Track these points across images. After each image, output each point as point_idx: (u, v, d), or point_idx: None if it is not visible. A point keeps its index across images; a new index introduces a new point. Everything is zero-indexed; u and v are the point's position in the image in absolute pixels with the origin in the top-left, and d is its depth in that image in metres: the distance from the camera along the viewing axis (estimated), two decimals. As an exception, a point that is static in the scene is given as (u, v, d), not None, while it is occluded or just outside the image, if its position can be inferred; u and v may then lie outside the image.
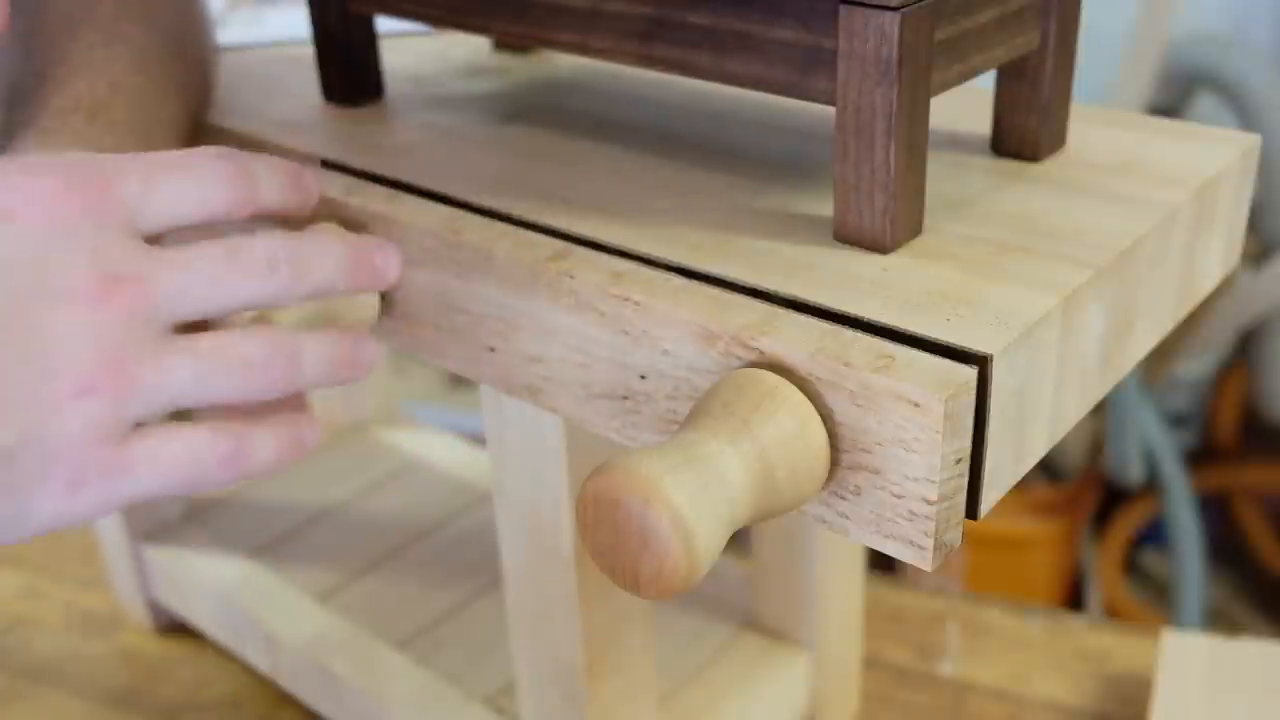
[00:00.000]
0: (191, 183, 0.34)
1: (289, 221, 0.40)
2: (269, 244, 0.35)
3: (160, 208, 0.33)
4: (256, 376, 0.34)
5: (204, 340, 0.33)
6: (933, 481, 0.31)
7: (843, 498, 0.33)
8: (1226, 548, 1.49)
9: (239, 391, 0.33)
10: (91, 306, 0.31)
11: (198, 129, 0.51)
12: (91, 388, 0.30)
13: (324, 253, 0.36)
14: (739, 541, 0.39)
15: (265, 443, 0.35)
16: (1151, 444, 1.34)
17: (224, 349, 0.33)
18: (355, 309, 0.42)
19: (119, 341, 0.31)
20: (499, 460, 0.45)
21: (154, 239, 0.34)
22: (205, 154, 0.36)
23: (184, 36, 0.51)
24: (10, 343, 0.30)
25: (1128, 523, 1.45)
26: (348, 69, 0.50)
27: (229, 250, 0.34)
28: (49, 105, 0.42)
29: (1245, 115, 1.23)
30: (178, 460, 0.32)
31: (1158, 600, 1.45)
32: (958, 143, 0.44)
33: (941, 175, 0.41)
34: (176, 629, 0.69)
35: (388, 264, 0.39)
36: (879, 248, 0.36)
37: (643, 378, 0.36)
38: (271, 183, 0.37)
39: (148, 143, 0.44)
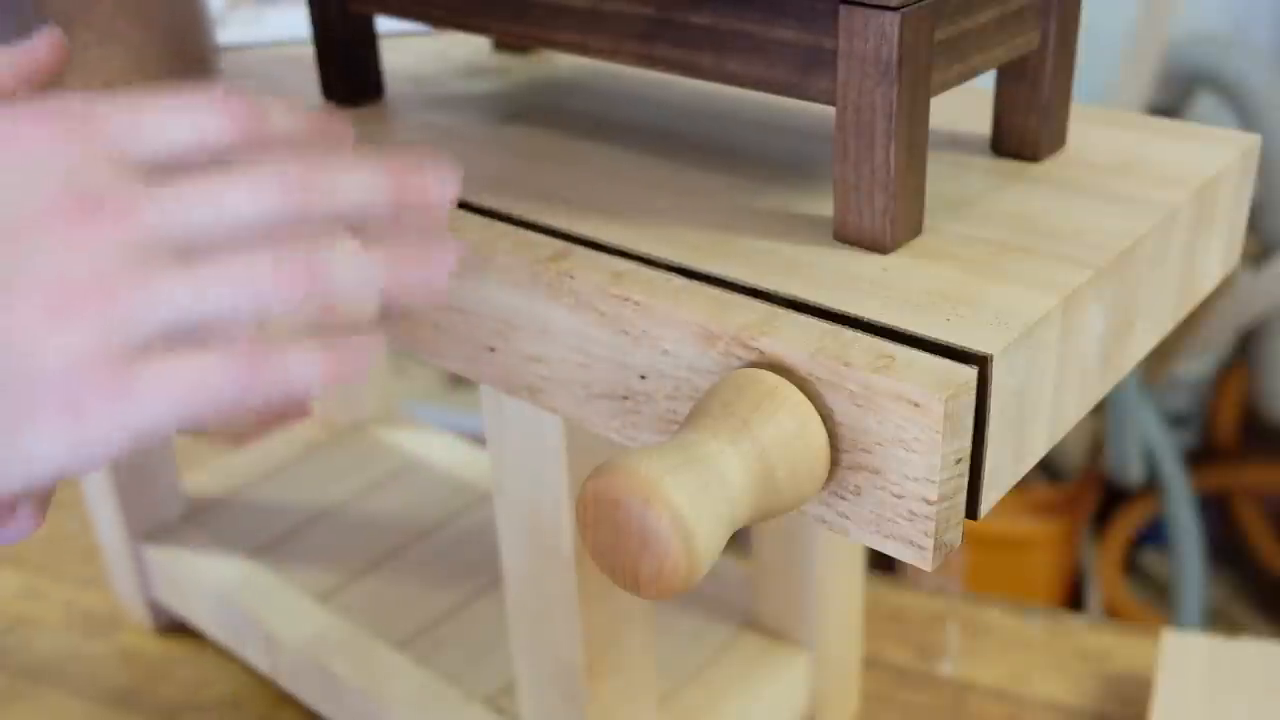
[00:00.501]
0: (185, 110, 0.31)
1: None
2: (280, 160, 0.31)
3: (150, 136, 0.30)
4: (270, 287, 0.30)
5: (206, 258, 0.30)
6: (933, 481, 0.31)
7: (843, 498, 0.33)
8: (1226, 548, 1.49)
9: (251, 304, 0.30)
10: (70, 228, 0.29)
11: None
12: (71, 308, 0.28)
13: (353, 167, 0.32)
14: (739, 541, 0.39)
15: (298, 360, 0.31)
16: (1151, 444, 1.34)
17: (228, 263, 0.30)
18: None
19: (103, 264, 0.28)
20: (499, 460, 0.45)
21: (148, 173, 0.31)
22: (197, 90, 0.32)
23: (183, 36, 0.51)
24: None
25: (1128, 523, 1.45)
26: (348, 69, 0.50)
27: (231, 170, 0.30)
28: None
29: (1245, 115, 1.23)
30: (187, 380, 0.29)
31: (1158, 600, 1.45)
32: (958, 143, 0.44)
33: (941, 175, 0.41)
34: (176, 629, 0.69)
35: (441, 185, 0.33)
36: (879, 248, 0.36)
37: (643, 378, 0.36)
38: (285, 116, 0.33)
39: None
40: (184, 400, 0.29)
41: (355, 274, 0.31)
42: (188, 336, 0.29)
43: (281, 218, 0.30)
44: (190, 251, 0.30)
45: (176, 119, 0.31)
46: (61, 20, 0.46)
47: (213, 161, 0.31)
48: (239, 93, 0.32)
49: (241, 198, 0.30)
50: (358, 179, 0.31)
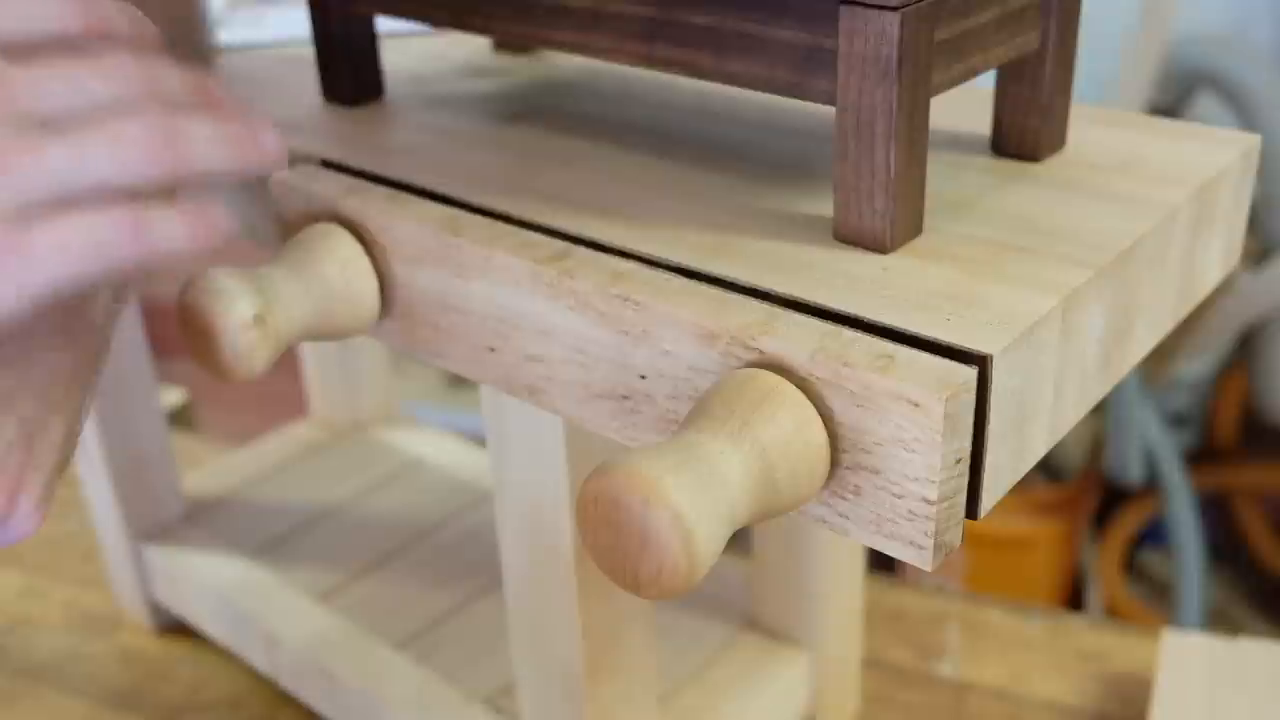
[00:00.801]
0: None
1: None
2: (126, 60, 0.34)
3: (8, 21, 0.33)
4: (139, 153, 0.32)
5: (76, 124, 0.32)
6: (933, 481, 0.31)
7: (843, 498, 0.33)
8: (1226, 548, 1.49)
9: (124, 170, 0.32)
10: None
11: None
12: None
13: (184, 83, 0.35)
14: (739, 541, 0.39)
15: (170, 218, 0.33)
16: (1151, 444, 1.34)
17: (98, 128, 0.32)
18: (356, 308, 0.42)
19: None
20: (499, 460, 0.45)
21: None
22: None
23: (182, 37, 0.51)
24: None
25: (1128, 523, 1.45)
26: (348, 69, 0.50)
27: (86, 54, 0.33)
28: None
29: (1245, 115, 1.23)
30: (78, 238, 0.31)
31: (1158, 600, 1.45)
32: (958, 143, 0.44)
33: (941, 175, 0.41)
34: (176, 629, 0.69)
35: (269, 138, 0.36)
36: (879, 248, 0.36)
37: (643, 378, 0.36)
38: (121, 17, 0.35)
39: None
40: (76, 258, 0.31)
41: (209, 145, 0.34)
42: (70, 202, 0.31)
43: (135, 98, 0.33)
44: (62, 124, 0.32)
45: (32, 6, 0.33)
46: None
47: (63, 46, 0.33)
48: None
49: (99, 79, 0.33)
50: (180, 86, 0.35)
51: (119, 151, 0.32)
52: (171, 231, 0.33)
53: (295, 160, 0.47)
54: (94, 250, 0.31)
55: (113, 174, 0.32)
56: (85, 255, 0.31)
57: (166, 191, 0.34)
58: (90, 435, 0.64)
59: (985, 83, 0.41)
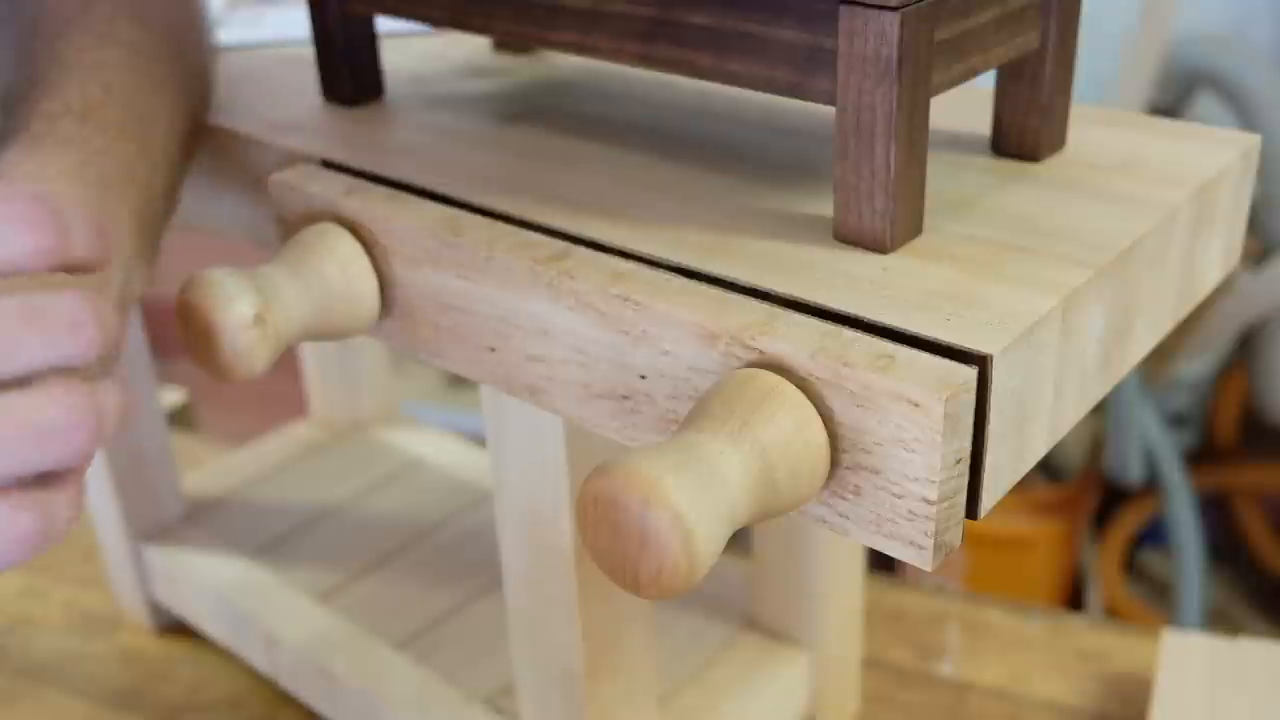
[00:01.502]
0: None
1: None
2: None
3: None
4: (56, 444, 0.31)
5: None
6: (933, 481, 0.31)
7: (843, 498, 0.33)
8: (1226, 548, 1.49)
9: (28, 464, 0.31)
10: None
11: (198, 129, 0.51)
12: None
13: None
14: (739, 541, 0.39)
15: (65, 504, 0.32)
16: (1151, 444, 1.34)
17: (13, 414, 0.31)
18: (356, 308, 0.42)
19: None
20: (499, 460, 0.45)
21: None
22: None
23: (181, 37, 0.51)
24: None
25: (1128, 523, 1.45)
26: (348, 69, 0.50)
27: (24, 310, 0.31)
28: (38, 109, 0.42)
29: (1245, 115, 1.23)
30: None
31: (1158, 600, 1.45)
32: (958, 143, 0.44)
33: (941, 175, 0.41)
34: (176, 629, 0.69)
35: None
36: (879, 248, 0.36)
37: (643, 378, 0.36)
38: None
39: (142, 142, 0.44)
40: None
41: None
42: None
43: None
44: None
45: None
46: (60, 25, 0.46)
47: None
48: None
49: (35, 335, 0.31)
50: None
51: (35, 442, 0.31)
52: (70, 509, 0.32)
53: (295, 160, 0.47)
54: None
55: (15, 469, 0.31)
56: None
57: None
58: (90, 435, 0.64)
59: (985, 83, 0.41)
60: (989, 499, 0.33)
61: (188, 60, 0.50)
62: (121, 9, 0.47)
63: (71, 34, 0.45)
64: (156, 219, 0.46)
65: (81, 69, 0.44)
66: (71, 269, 0.32)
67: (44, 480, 0.32)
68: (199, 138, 0.51)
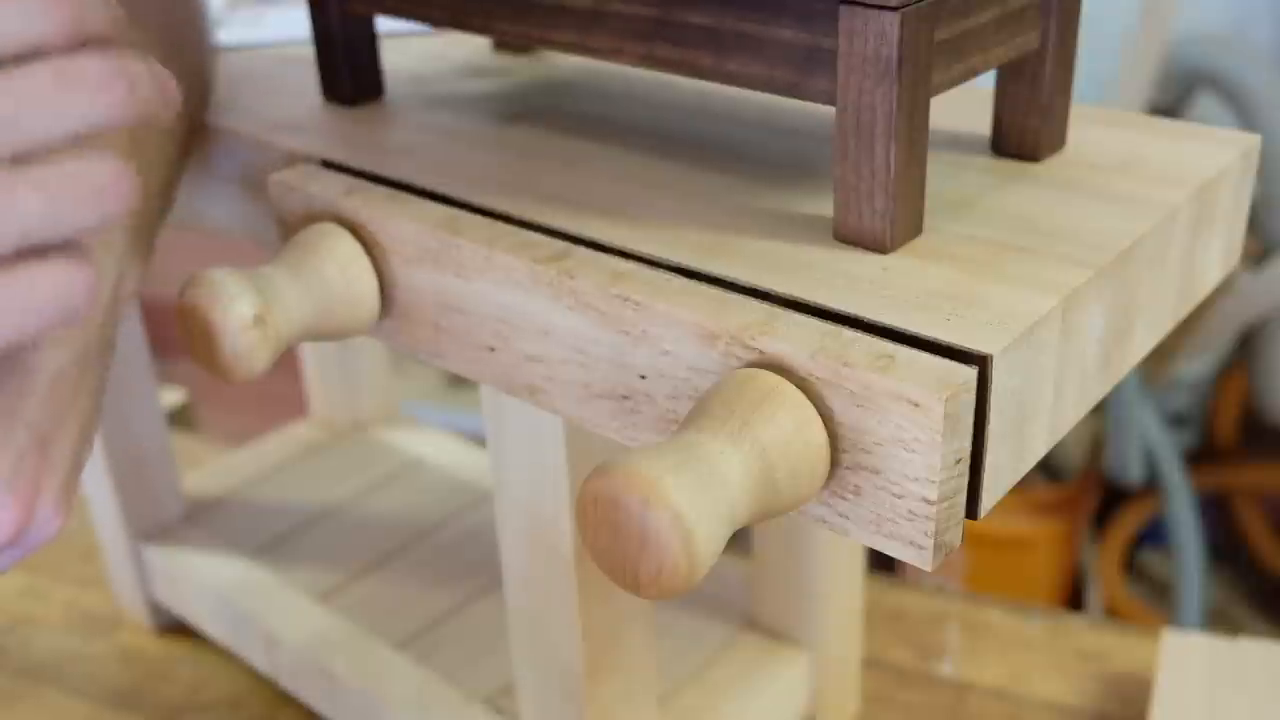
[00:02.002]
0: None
1: None
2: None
3: None
4: (110, 203, 0.31)
5: (44, 161, 0.30)
6: (933, 481, 0.31)
7: (843, 498, 0.33)
8: (1226, 548, 1.49)
9: (97, 219, 0.31)
10: None
11: (195, 127, 0.51)
12: None
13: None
14: (739, 541, 0.39)
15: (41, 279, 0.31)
16: (1151, 444, 1.34)
17: (67, 171, 0.31)
18: (356, 308, 0.42)
19: None
20: (499, 460, 0.45)
21: None
22: None
23: (178, 37, 0.51)
24: None
25: (1128, 523, 1.45)
26: (348, 69, 0.50)
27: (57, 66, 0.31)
28: None
29: (1245, 115, 1.23)
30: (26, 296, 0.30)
31: (1158, 600, 1.45)
32: (958, 143, 0.44)
33: (941, 175, 0.41)
34: (176, 629, 0.69)
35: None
36: (879, 248, 0.36)
37: (643, 378, 0.36)
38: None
39: (135, 144, 0.44)
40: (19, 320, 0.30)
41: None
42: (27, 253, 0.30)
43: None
44: (31, 158, 0.30)
45: (10, 18, 0.31)
46: None
47: None
48: None
49: (68, 92, 0.30)
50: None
51: (90, 201, 0.31)
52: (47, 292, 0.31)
53: (295, 160, 0.47)
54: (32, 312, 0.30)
55: (83, 224, 0.31)
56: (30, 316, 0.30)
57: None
58: (90, 435, 0.64)
59: (985, 83, 0.41)
60: (989, 499, 0.33)
61: (185, 58, 0.50)
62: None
63: None
64: (151, 216, 0.46)
65: None
66: (90, 44, 0.32)
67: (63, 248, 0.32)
68: (197, 137, 0.51)
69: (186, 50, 0.51)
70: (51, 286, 0.31)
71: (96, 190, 0.31)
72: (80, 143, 0.31)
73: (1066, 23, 0.40)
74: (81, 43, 0.32)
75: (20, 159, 0.30)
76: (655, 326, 0.35)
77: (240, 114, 0.52)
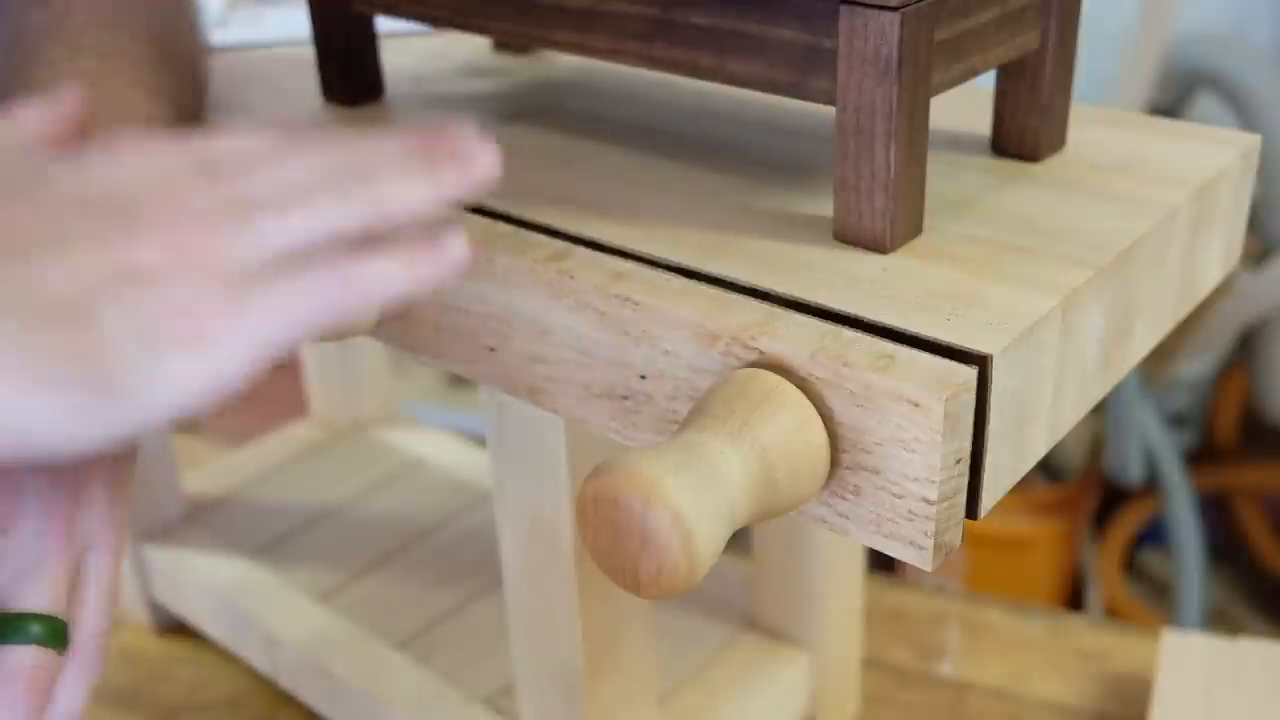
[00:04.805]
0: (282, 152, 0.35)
1: None
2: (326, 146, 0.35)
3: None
4: (341, 210, 0.33)
5: (279, 198, 0.33)
6: (933, 481, 0.31)
7: (843, 498, 0.33)
8: (1226, 548, 1.49)
9: (329, 227, 0.33)
10: (196, 185, 0.33)
11: (195, 128, 0.51)
12: (188, 243, 0.32)
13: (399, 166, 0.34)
14: (739, 541, 0.39)
15: (381, 261, 0.33)
16: (1151, 444, 1.34)
17: (301, 198, 0.33)
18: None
19: (208, 211, 0.32)
20: (499, 460, 0.45)
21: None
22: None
23: (168, 40, 0.50)
24: (118, 212, 0.32)
25: (1128, 523, 1.45)
26: (348, 69, 0.50)
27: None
28: None
29: (1245, 115, 1.23)
30: (290, 301, 0.32)
31: (1158, 600, 1.45)
32: (958, 143, 0.44)
33: (941, 175, 0.41)
34: (176, 629, 0.69)
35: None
36: (879, 248, 0.36)
37: (643, 378, 0.36)
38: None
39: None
40: (291, 318, 0.32)
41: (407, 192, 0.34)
42: (280, 266, 0.32)
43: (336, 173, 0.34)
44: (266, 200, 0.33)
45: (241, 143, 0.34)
46: (39, 38, 0.46)
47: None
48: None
49: (302, 162, 0.34)
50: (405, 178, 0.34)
51: (323, 213, 0.33)
52: (384, 274, 0.33)
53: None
54: (306, 310, 0.32)
55: (319, 233, 0.33)
56: (299, 315, 0.32)
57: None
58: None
59: (985, 83, 0.41)
60: (989, 499, 0.33)
61: (177, 62, 0.50)
62: (96, 17, 0.48)
63: (44, 48, 0.46)
64: None
65: (52, 82, 0.44)
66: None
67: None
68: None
69: (176, 51, 0.51)
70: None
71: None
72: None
73: (1066, 23, 0.40)
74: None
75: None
76: (655, 326, 0.35)
77: (240, 114, 0.52)
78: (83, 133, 0.38)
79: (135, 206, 0.32)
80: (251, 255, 0.32)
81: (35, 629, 0.38)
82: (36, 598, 0.38)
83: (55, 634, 0.38)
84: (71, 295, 0.30)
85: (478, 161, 0.34)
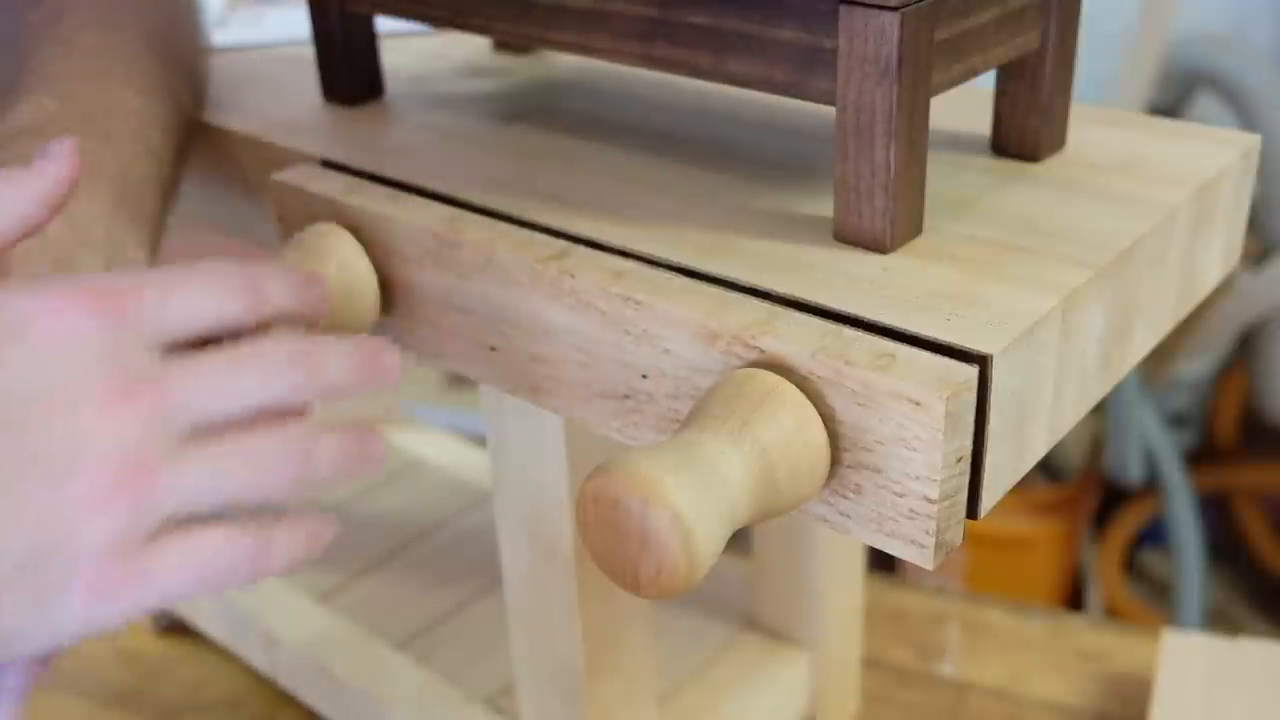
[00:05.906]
0: (203, 294, 0.34)
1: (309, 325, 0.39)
2: (280, 346, 0.34)
3: (173, 317, 0.33)
4: (272, 474, 0.34)
5: (218, 441, 0.33)
6: (934, 480, 0.31)
7: (844, 497, 0.33)
8: (1226, 548, 1.49)
9: (255, 490, 0.34)
10: (108, 411, 0.31)
11: (190, 125, 0.51)
12: (111, 494, 0.30)
13: (335, 352, 0.35)
14: (739, 541, 0.39)
15: (285, 539, 0.35)
16: (1151, 444, 1.34)
17: (239, 449, 0.33)
18: (356, 308, 0.42)
19: (137, 446, 0.31)
20: (499, 460, 0.45)
21: (169, 349, 0.34)
22: (214, 267, 0.35)
23: (166, 39, 0.50)
24: (28, 452, 0.30)
25: (1128, 523, 1.45)
26: (348, 69, 0.50)
27: (242, 353, 0.33)
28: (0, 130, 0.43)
29: (1245, 115, 1.23)
30: (200, 563, 0.32)
31: (1158, 600, 1.45)
32: (958, 143, 0.44)
33: (941, 175, 0.41)
34: (176, 629, 0.69)
35: (394, 364, 0.37)
36: (879, 248, 0.36)
37: (644, 377, 0.36)
38: (280, 290, 0.36)
39: (109, 138, 0.44)
40: (195, 578, 0.32)
41: (331, 453, 0.35)
42: (197, 520, 0.33)
43: (280, 400, 0.34)
44: (204, 429, 0.33)
45: (196, 302, 0.34)
46: (33, 38, 0.46)
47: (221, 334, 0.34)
48: (240, 268, 0.35)
49: (252, 383, 0.33)
50: (339, 362, 0.35)
51: (257, 474, 0.33)
52: (286, 552, 0.35)
53: (295, 160, 0.47)
54: (213, 571, 0.32)
55: (247, 494, 0.33)
56: (204, 575, 0.32)
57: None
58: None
59: (985, 83, 0.41)
60: (989, 498, 0.33)
61: (175, 61, 0.50)
62: (91, 16, 0.48)
63: (40, 48, 0.46)
64: (143, 209, 0.45)
65: (43, 83, 0.44)
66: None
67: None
68: (194, 134, 0.51)
69: (174, 48, 0.51)
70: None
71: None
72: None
73: (1066, 23, 0.40)
74: (268, 319, 0.35)
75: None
76: (656, 326, 0.35)
77: (240, 114, 0.52)
78: (68, 199, 0.37)
79: (62, 423, 0.30)
80: (171, 507, 0.31)
81: None
82: None
83: None
84: None
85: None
